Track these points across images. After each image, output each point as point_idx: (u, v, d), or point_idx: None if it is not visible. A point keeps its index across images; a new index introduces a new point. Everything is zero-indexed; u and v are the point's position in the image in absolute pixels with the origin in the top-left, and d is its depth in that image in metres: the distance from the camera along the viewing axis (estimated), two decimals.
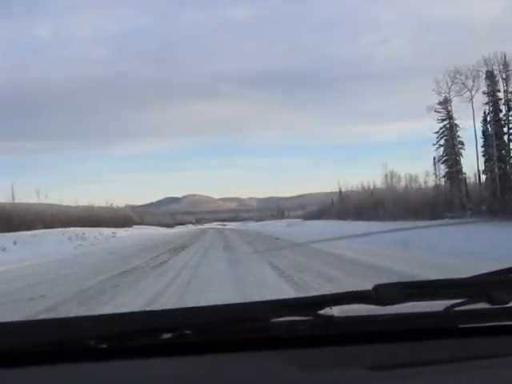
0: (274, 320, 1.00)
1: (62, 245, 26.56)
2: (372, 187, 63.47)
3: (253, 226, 68.50)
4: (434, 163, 47.74)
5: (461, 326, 1.09)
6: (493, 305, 1.05)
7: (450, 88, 43.26)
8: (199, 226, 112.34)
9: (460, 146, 45.40)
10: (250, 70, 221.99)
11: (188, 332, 0.98)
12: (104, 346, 0.98)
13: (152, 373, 0.94)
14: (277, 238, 26.35)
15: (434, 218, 38.81)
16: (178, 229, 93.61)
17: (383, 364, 0.96)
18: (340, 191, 72.56)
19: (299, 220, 70.60)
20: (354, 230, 31.22)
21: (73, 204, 67.87)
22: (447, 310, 1.05)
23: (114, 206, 79.34)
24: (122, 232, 46.94)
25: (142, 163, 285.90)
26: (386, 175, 59.69)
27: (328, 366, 0.97)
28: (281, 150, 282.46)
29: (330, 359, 0.99)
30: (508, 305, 1.05)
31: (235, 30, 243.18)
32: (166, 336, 0.97)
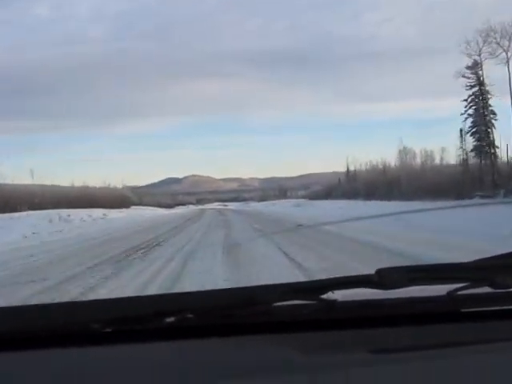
0: (277, 304, 1.00)
1: (36, 228, 22.16)
2: (383, 165, 59.10)
3: (254, 206, 63.81)
4: (461, 135, 42.68)
5: (463, 310, 1.08)
6: (496, 289, 1.04)
7: (481, 49, 38.25)
8: (200, 207, 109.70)
9: (492, 115, 40.31)
10: (250, 48, 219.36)
11: (191, 316, 0.98)
12: (108, 329, 0.97)
13: (155, 356, 0.95)
14: (300, 225, 18.92)
15: (461, 198, 34.40)
16: (178, 209, 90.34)
17: (386, 348, 0.97)
18: (347, 170, 67.50)
19: (304, 200, 65.81)
20: (381, 210, 26.76)
21: (69, 185, 64.43)
22: (450, 294, 1.04)
23: (111, 186, 74.48)
24: (115, 213, 42.41)
25: (142, 143, 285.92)
26: (400, 151, 55.07)
27: (331, 350, 0.97)
28: (282, 129, 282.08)
29: (332, 343, 0.99)
30: (511, 289, 1.04)
31: (236, 8, 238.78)
32: (170, 320, 0.97)
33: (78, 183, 67.75)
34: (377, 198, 45.43)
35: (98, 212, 38.78)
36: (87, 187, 65.97)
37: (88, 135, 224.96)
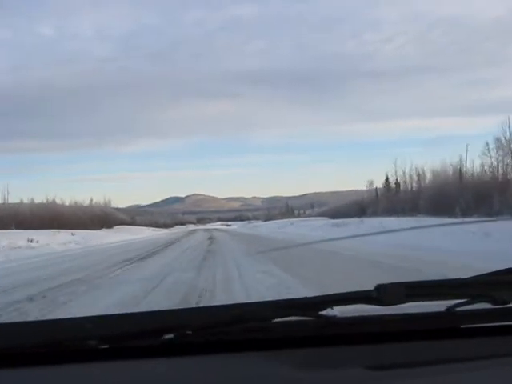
0: (276, 320, 0.98)
1: None
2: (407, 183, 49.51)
3: (264, 227, 47.90)
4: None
5: (463, 326, 1.06)
6: (494, 305, 1.02)
7: None
8: (200, 227, 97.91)
9: None
10: (253, 68, 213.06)
11: (189, 332, 0.96)
12: (105, 346, 0.95)
13: (153, 373, 0.92)
14: None
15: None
16: (174, 229, 78.32)
17: (385, 364, 0.94)
18: (388, 184, 57.42)
19: (327, 219, 52.67)
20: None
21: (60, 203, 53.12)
22: (449, 310, 1.03)
23: (93, 203, 61.75)
24: (63, 238, 26.28)
25: (146, 163, 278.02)
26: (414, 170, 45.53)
27: (330, 367, 0.95)
28: (284, 148, 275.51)
29: (331, 360, 0.97)
30: (510, 305, 1.02)
31: (239, 29, 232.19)
32: (168, 336, 0.94)
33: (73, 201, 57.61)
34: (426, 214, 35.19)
35: (39, 237, 25.29)
36: (55, 204, 53.41)
37: (92, 155, 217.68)
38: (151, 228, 70.83)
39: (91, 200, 60.87)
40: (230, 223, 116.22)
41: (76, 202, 54.73)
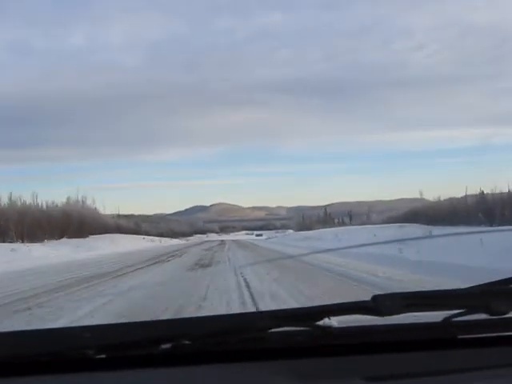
0: (273, 331, 0.95)
1: None
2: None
3: (316, 241, 28.56)
4: None
5: (460, 336, 1.03)
6: (491, 315, 0.99)
7: None
8: (222, 237, 79.53)
9: None
10: (280, 77, 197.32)
11: (187, 342, 0.93)
12: (102, 356, 0.92)
13: (150, 383, 0.90)
14: None
15: None
16: (188, 241, 60.07)
17: (382, 375, 0.92)
18: (482, 192, 40.18)
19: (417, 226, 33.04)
20: None
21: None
22: (446, 320, 1.00)
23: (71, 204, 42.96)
24: None
25: (171, 172, 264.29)
26: None
27: (326, 377, 0.92)
28: (309, 157, 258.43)
29: (328, 370, 0.94)
30: (506, 315, 0.99)
31: (267, 38, 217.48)
32: (165, 346, 0.92)
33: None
34: None
35: None
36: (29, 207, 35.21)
37: (118, 163, 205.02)
38: (157, 238, 52.70)
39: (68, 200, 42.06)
40: (258, 232, 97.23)
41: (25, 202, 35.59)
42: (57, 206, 39.03)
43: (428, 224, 36.03)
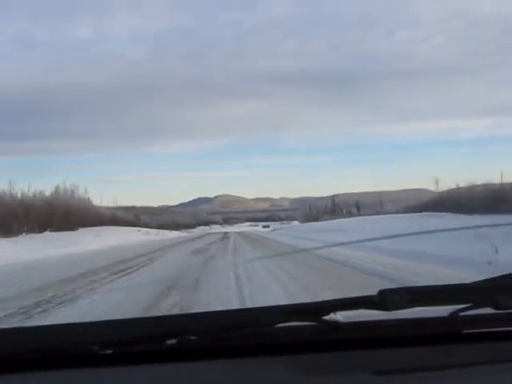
0: (279, 325, 0.95)
1: None
2: None
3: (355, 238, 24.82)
4: None
5: (466, 331, 1.03)
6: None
7: None
8: (226, 229, 75.51)
9: None
10: (285, 68, 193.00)
11: (193, 338, 0.93)
12: (109, 351, 0.92)
13: (157, 379, 0.90)
14: None
15: None
16: (182, 233, 56.25)
17: (388, 369, 0.92)
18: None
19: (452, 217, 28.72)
20: None
21: None
22: (452, 315, 1.00)
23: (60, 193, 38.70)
24: None
25: (175, 164, 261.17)
26: None
27: (333, 372, 0.93)
28: (312, 149, 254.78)
29: (335, 365, 0.95)
30: None
31: (272, 29, 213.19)
32: (172, 342, 0.92)
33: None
34: None
35: None
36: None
37: (122, 155, 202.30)
38: (155, 231, 48.73)
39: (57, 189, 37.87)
40: (262, 223, 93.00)
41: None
42: (44, 195, 35.01)
43: (458, 212, 31.77)
